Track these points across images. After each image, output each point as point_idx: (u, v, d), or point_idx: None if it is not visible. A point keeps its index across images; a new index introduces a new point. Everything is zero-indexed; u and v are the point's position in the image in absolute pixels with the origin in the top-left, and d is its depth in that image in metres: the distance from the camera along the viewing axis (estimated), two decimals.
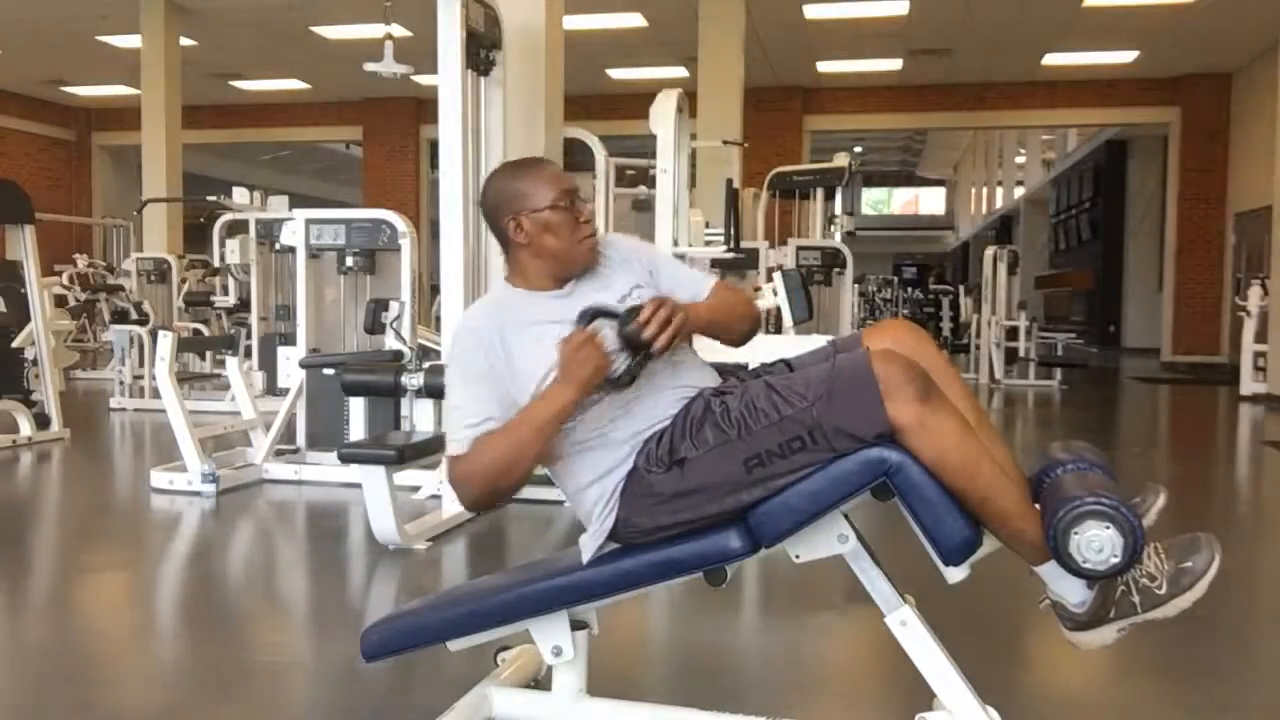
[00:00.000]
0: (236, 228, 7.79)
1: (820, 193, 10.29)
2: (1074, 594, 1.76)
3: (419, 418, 4.36)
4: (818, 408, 1.72)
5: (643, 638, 2.88)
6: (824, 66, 14.44)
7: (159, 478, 4.78)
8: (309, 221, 5.32)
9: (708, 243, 5.79)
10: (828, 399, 1.72)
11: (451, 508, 4.18)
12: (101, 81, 15.92)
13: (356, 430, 4.81)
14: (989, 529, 1.76)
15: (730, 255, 5.66)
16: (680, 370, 1.93)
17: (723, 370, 2.04)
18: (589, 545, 1.90)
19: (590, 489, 1.89)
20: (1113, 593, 1.72)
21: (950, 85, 15.26)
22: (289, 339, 5.66)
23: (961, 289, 14.87)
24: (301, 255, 5.33)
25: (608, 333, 1.83)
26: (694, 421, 1.83)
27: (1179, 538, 1.76)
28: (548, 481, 4.79)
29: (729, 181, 8.49)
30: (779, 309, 5.36)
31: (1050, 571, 1.75)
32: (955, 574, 1.77)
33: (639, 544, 1.87)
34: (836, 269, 8.76)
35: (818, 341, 2.10)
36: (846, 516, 1.83)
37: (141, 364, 8.18)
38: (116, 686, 2.51)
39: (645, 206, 7.63)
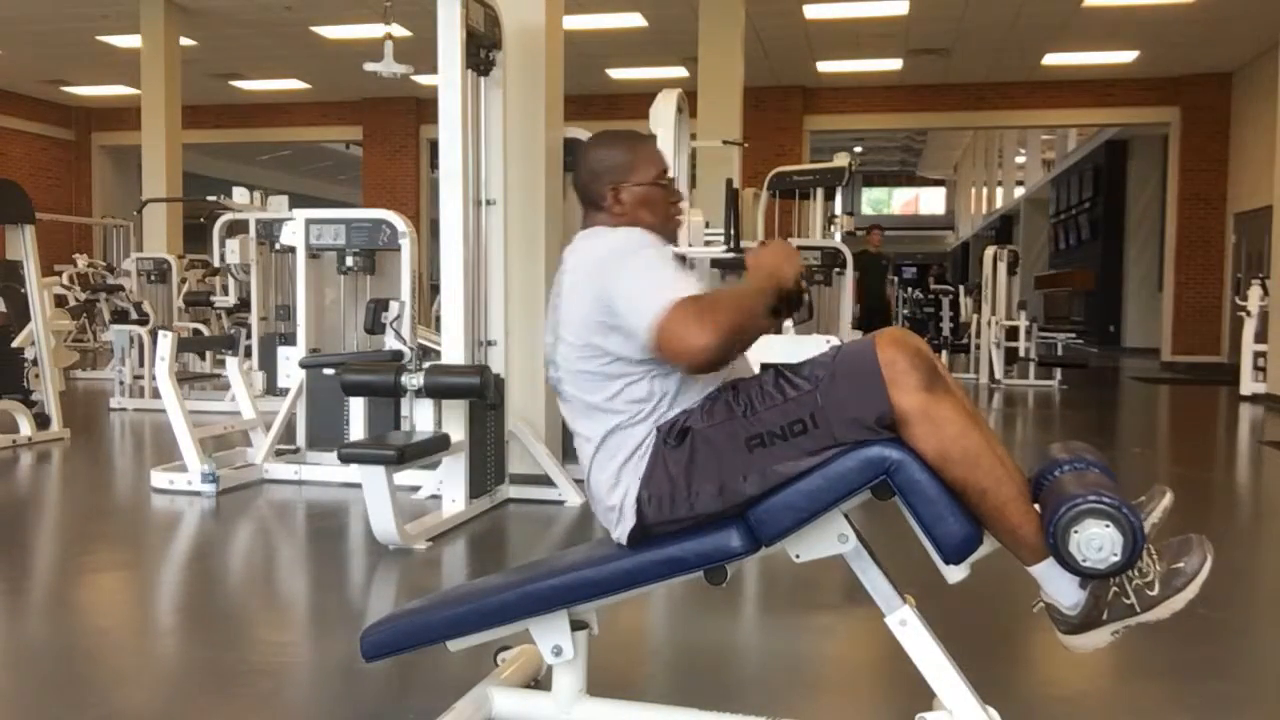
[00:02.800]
0: (236, 228, 7.78)
1: (820, 193, 10.29)
2: (1067, 596, 1.76)
3: (419, 418, 4.36)
4: (821, 390, 1.73)
5: (643, 638, 2.88)
6: (824, 66, 14.44)
7: (159, 478, 4.78)
8: (309, 221, 5.32)
9: (708, 243, 5.79)
10: (831, 382, 1.73)
11: (452, 507, 4.19)
12: (101, 81, 15.93)
13: (356, 430, 4.81)
14: (987, 526, 1.76)
15: (730, 255, 5.66)
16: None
17: None
18: (622, 530, 1.88)
19: (629, 464, 1.87)
20: (1105, 594, 1.72)
21: (950, 85, 15.27)
22: (289, 339, 5.67)
23: (961, 289, 14.86)
24: (301, 255, 5.33)
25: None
26: (709, 399, 1.85)
27: (1171, 540, 1.76)
28: (548, 481, 4.80)
29: (729, 181, 8.48)
30: None
31: (1044, 573, 1.75)
32: (955, 573, 1.77)
33: (651, 532, 1.88)
34: (836, 269, 8.75)
35: (817, 341, 2.11)
36: (847, 516, 1.83)
37: (141, 364, 8.18)
38: (116, 686, 2.51)
39: None
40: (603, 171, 2.01)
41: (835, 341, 1.97)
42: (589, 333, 1.87)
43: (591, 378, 1.89)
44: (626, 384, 1.86)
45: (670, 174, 2.07)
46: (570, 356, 1.91)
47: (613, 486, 1.89)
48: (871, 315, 10.61)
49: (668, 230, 2.05)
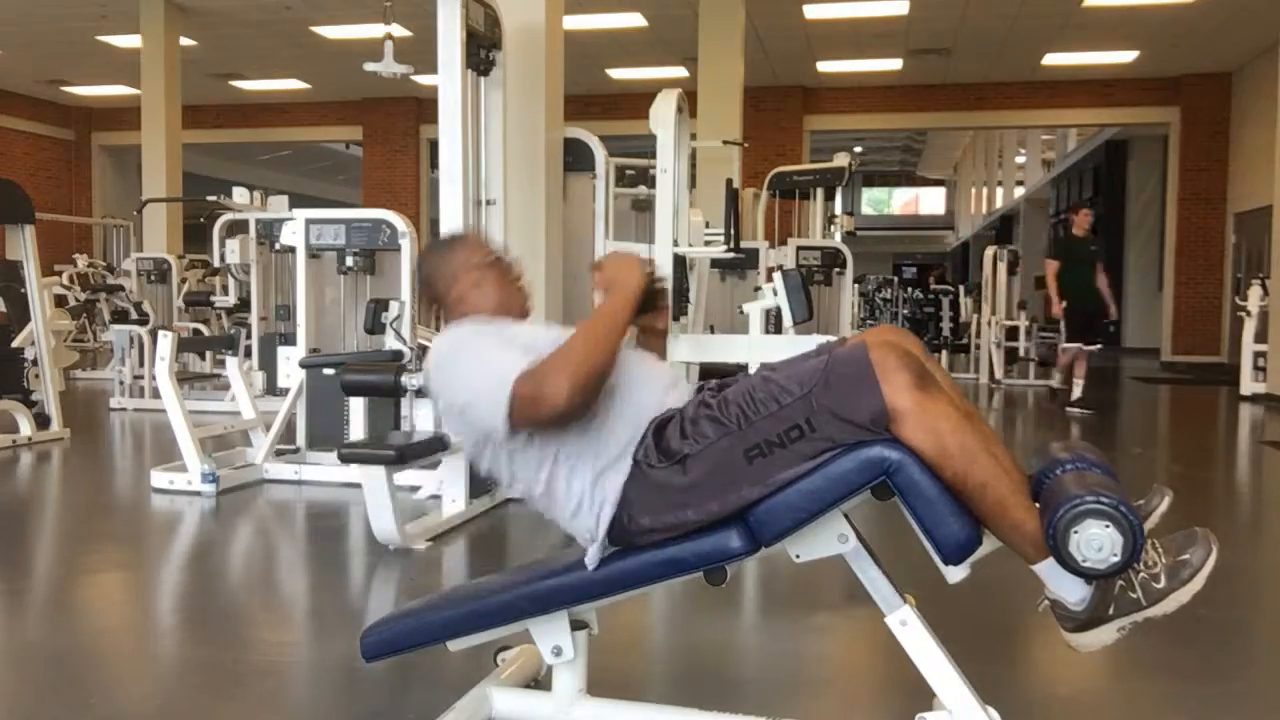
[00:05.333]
0: (236, 228, 7.79)
1: (820, 193, 10.29)
2: (1073, 592, 1.76)
3: (419, 418, 4.37)
4: (815, 394, 1.73)
5: (643, 638, 2.88)
6: (824, 66, 14.44)
7: (159, 478, 4.79)
8: (309, 221, 5.32)
9: (708, 243, 5.79)
10: (824, 385, 1.73)
11: (452, 508, 4.19)
12: (101, 81, 15.93)
13: (356, 430, 4.81)
14: (988, 524, 1.75)
15: (730, 255, 5.66)
16: (654, 371, 1.98)
17: (721, 373, 2.05)
18: (593, 553, 1.88)
19: (587, 497, 1.87)
20: (1111, 589, 1.72)
21: (950, 85, 15.27)
22: (289, 339, 5.66)
23: (961, 289, 14.86)
24: (301, 255, 5.33)
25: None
26: (690, 419, 1.83)
27: (1176, 533, 1.76)
28: None
29: (729, 181, 8.46)
30: (779, 309, 5.36)
31: (1048, 570, 1.75)
32: (955, 573, 1.77)
33: (639, 544, 1.87)
34: (836, 269, 8.75)
35: (818, 342, 2.11)
36: (846, 516, 1.83)
37: (141, 364, 8.18)
38: (117, 686, 2.51)
39: (645, 206, 7.63)
40: (436, 278, 2.14)
41: (828, 338, 1.97)
42: (470, 441, 1.95)
43: (511, 461, 1.93)
44: (530, 463, 1.90)
45: (494, 256, 2.14)
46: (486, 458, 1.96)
47: (575, 514, 1.90)
48: (1077, 317, 8.43)
49: (515, 304, 2.12)
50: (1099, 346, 8.43)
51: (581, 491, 1.87)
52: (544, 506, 1.95)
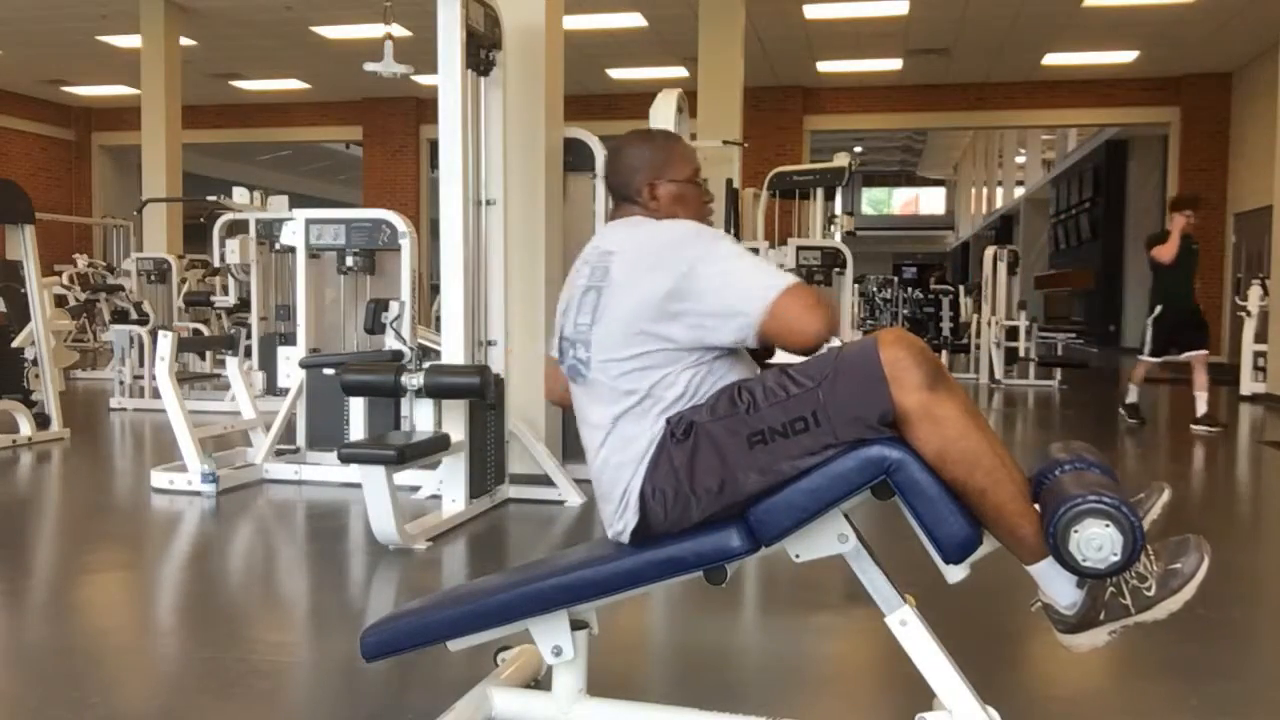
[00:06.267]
0: (236, 228, 7.79)
1: (820, 193, 10.30)
2: (1064, 596, 1.76)
3: (419, 418, 4.37)
4: (823, 389, 1.73)
5: (643, 638, 2.88)
6: (824, 66, 14.45)
7: (159, 478, 4.79)
8: (309, 221, 5.32)
9: None
10: (833, 380, 1.73)
11: (452, 507, 4.19)
12: (101, 81, 15.94)
13: (356, 430, 4.81)
14: (986, 525, 1.75)
15: None
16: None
17: None
18: (625, 521, 1.87)
19: (639, 456, 1.86)
20: (1102, 595, 1.73)
21: (950, 85, 15.28)
22: (289, 339, 5.67)
23: (961, 289, 14.87)
24: (301, 255, 5.33)
25: None
26: (715, 396, 1.84)
27: (1169, 540, 1.76)
28: (548, 481, 4.79)
29: (729, 181, 8.49)
30: None
31: (1042, 572, 1.75)
32: (955, 573, 1.77)
33: (642, 540, 1.88)
34: (836, 269, 8.76)
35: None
36: (847, 516, 1.83)
37: (141, 364, 8.18)
38: (116, 686, 2.51)
39: None
40: (640, 166, 2.04)
41: (836, 342, 1.96)
42: (646, 320, 1.83)
43: (632, 365, 1.85)
44: (666, 374, 1.84)
45: (701, 175, 2.11)
46: (611, 342, 1.86)
47: (618, 478, 1.88)
48: (1172, 323, 7.37)
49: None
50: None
51: (647, 440, 1.85)
52: (616, 437, 1.88)
